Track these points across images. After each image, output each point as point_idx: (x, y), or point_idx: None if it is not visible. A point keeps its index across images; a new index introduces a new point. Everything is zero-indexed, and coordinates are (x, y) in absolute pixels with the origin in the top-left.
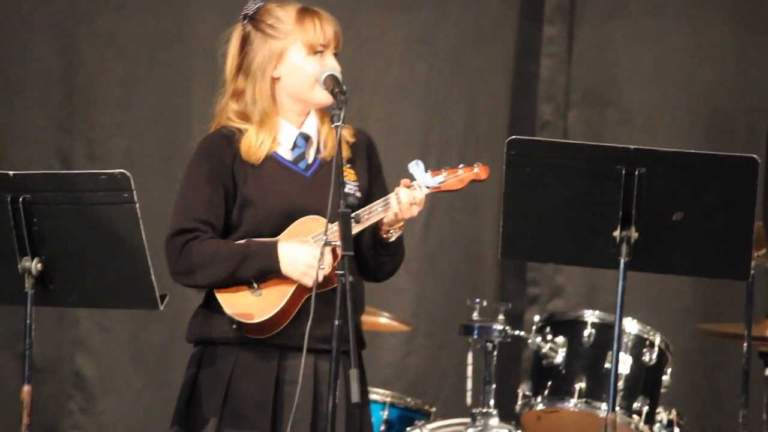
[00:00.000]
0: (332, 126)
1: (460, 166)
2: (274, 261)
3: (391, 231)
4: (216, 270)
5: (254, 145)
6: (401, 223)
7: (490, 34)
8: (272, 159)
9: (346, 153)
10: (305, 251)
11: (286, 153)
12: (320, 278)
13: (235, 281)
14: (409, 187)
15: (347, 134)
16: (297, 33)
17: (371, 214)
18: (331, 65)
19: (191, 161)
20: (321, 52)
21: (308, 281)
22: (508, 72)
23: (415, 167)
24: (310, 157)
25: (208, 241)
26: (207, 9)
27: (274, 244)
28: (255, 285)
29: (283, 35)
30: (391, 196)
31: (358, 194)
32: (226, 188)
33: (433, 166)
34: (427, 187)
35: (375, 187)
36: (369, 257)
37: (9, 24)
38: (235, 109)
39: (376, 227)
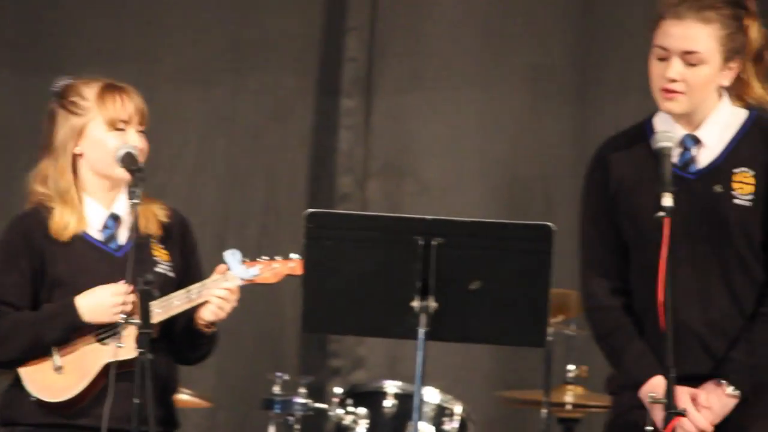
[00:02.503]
0: (129, 202)
1: (276, 258)
2: (74, 315)
3: (209, 325)
4: (19, 340)
5: (61, 224)
6: (222, 317)
7: (288, 107)
8: (82, 239)
9: (157, 232)
10: (103, 292)
11: (95, 233)
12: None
13: (40, 348)
14: (223, 275)
15: (161, 214)
16: (98, 108)
17: (175, 302)
18: (133, 141)
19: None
20: (122, 129)
21: (118, 318)
22: (307, 145)
23: (231, 257)
24: (121, 237)
25: (7, 316)
26: None
27: (71, 299)
28: (57, 359)
29: (83, 111)
30: (196, 287)
31: (171, 274)
32: (33, 268)
33: (233, 241)
34: (242, 279)
35: (191, 267)
36: (184, 345)
37: None
38: (43, 188)
39: (193, 319)
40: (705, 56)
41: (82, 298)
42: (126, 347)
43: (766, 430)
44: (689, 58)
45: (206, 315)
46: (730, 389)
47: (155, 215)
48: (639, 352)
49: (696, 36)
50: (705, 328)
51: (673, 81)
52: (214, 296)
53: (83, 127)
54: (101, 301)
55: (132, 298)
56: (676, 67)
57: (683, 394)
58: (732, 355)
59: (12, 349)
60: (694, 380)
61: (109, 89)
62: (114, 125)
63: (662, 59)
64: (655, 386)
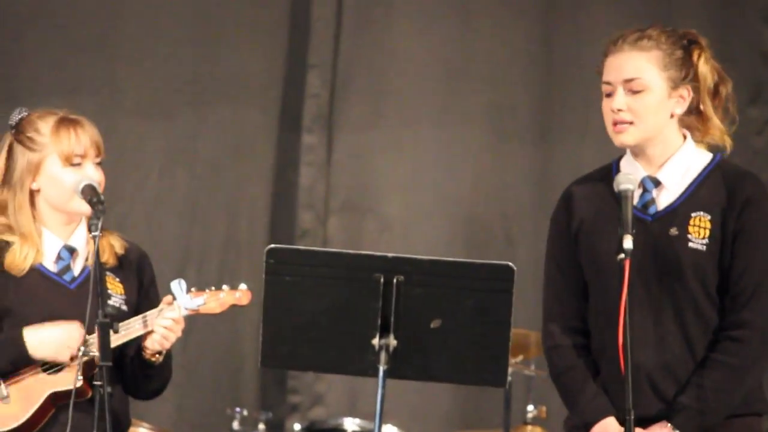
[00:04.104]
0: (90, 235)
1: (224, 287)
2: (21, 349)
3: (156, 355)
4: None
5: (18, 258)
6: (168, 346)
7: (250, 142)
8: (36, 271)
9: (111, 260)
10: (53, 330)
11: (50, 265)
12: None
13: None
14: (170, 304)
15: (117, 246)
16: (53, 144)
17: (129, 329)
18: (90, 175)
19: None
20: (79, 163)
21: (65, 358)
22: (268, 180)
23: (177, 286)
24: (77, 269)
25: None
26: None
27: (20, 331)
28: (3, 388)
29: (40, 147)
30: (149, 315)
31: (124, 308)
32: None
33: (193, 275)
34: (186, 309)
35: (146, 302)
36: (136, 376)
37: None
38: (1, 219)
39: (140, 348)
40: (646, 82)
41: (31, 331)
42: (72, 377)
43: None
44: (631, 85)
45: (151, 345)
46: None
47: (111, 246)
48: (591, 393)
49: (634, 64)
50: (657, 370)
51: (620, 111)
52: (159, 326)
53: (39, 163)
54: (49, 339)
55: (80, 340)
56: (619, 98)
57: None
58: (681, 400)
59: None
60: (643, 422)
61: (63, 124)
62: (70, 161)
63: (609, 95)
64: (605, 428)
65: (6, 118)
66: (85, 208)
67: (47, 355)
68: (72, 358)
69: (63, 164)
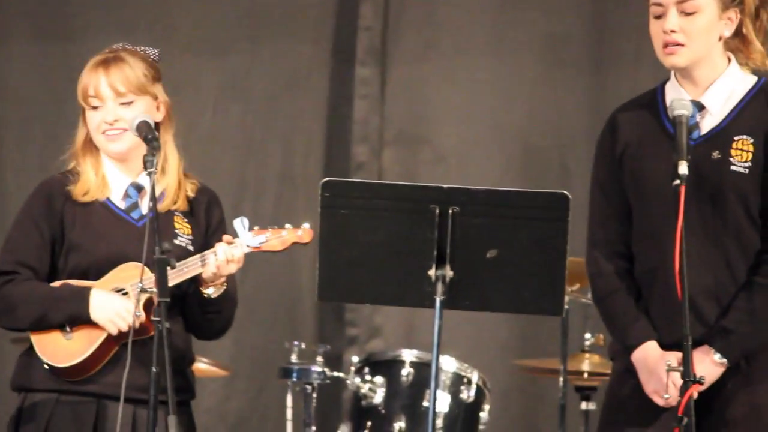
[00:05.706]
0: (145, 173)
1: (286, 226)
2: (83, 306)
3: (211, 288)
4: (27, 312)
5: (84, 187)
6: (221, 280)
7: (303, 76)
8: (104, 206)
9: (183, 206)
10: (118, 300)
11: (118, 201)
12: (136, 325)
13: (46, 324)
14: (230, 243)
15: (189, 188)
16: (79, 87)
17: (188, 267)
18: (107, 116)
19: (24, 203)
20: (97, 106)
21: (112, 329)
22: (322, 114)
23: (239, 224)
24: (144, 207)
25: (23, 283)
26: (17, 57)
27: (88, 290)
28: (68, 328)
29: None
30: (209, 253)
31: (191, 248)
32: (53, 232)
33: (249, 210)
34: (248, 246)
35: (212, 244)
36: (195, 315)
37: None
38: (73, 154)
39: (197, 283)
40: (699, 3)
41: (98, 293)
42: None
43: (756, 396)
44: (684, 6)
45: (204, 274)
46: (717, 357)
47: (184, 189)
48: (633, 317)
49: None
50: (699, 294)
51: (672, 32)
52: (216, 258)
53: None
54: (108, 307)
55: (130, 321)
56: (672, 19)
57: (672, 359)
58: (723, 324)
59: (19, 319)
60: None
61: (93, 67)
62: (87, 102)
63: (659, 17)
64: (646, 351)
65: (63, 56)
66: (105, 147)
67: (99, 321)
68: (118, 334)
69: (84, 105)
